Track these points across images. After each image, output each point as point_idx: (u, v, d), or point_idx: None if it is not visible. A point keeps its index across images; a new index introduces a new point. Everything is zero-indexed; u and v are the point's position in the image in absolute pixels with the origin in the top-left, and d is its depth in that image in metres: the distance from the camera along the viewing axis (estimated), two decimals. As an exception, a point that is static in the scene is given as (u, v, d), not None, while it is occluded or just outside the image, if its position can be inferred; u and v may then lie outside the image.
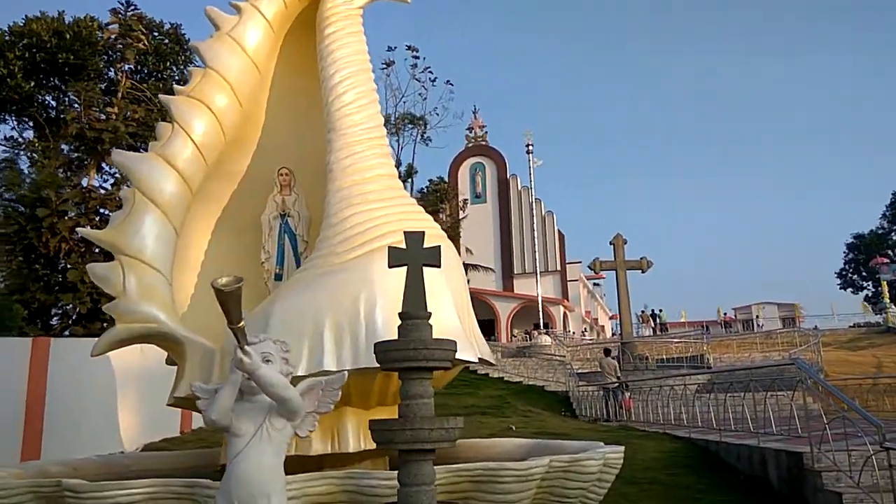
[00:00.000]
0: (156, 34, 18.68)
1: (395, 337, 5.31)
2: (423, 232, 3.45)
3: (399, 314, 3.25)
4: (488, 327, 51.31)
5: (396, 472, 3.98)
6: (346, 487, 3.79)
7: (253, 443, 3.08)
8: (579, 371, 23.54)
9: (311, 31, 7.08)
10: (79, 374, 10.31)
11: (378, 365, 5.14)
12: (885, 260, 46.17)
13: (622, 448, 5.67)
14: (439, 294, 5.73)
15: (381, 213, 5.98)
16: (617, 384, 17.48)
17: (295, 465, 5.43)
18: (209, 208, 6.89)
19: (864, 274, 55.84)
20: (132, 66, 17.37)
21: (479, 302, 50.19)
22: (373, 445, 5.52)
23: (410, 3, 7.58)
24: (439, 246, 3.39)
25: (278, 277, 6.65)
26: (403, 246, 5.71)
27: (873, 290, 53.65)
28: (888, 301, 41.34)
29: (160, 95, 6.96)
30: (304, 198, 6.94)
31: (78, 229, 6.14)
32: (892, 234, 57.31)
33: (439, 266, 3.39)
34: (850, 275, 58.48)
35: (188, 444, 11.11)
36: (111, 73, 18.06)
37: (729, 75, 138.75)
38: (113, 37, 16.09)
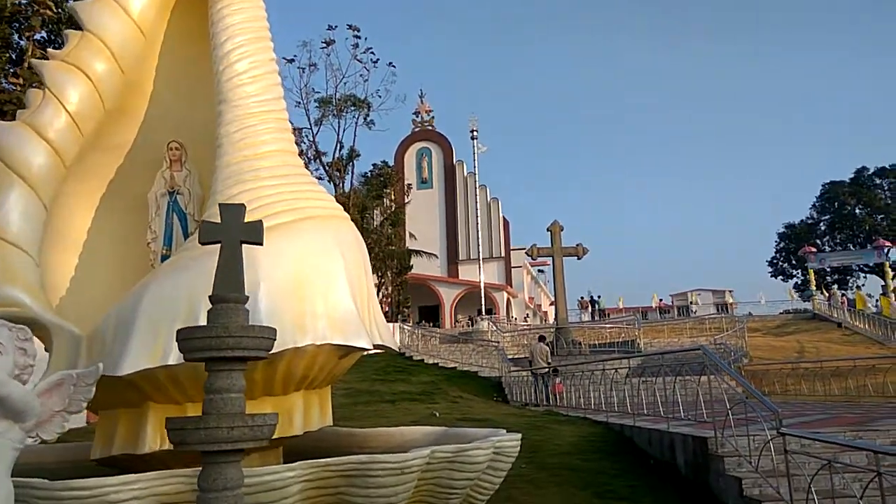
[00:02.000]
0: (71, 2, 17.46)
1: (280, 323, 5.08)
2: (243, 205, 3.14)
3: (209, 297, 2.93)
4: (432, 313, 51.31)
5: (255, 469, 3.71)
6: (196, 487, 3.46)
7: None
8: (515, 357, 23.66)
9: (207, -5, 6.61)
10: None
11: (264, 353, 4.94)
12: (813, 249, 48.14)
13: (518, 435, 5.53)
14: (333, 275, 5.45)
15: (274, 192, 5.62)
16: (547, 369, 17.57)
17: (170, 460, 5.12)
18: (91, 184, 6.39)
19: (793, 262, 58.04)
20: (44, 36, 16.34)
21: (423, 288, 50.12)
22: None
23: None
24: (260, 221, 3.09)
25: (165, 259, 6.23)
26: (294, 225, 5.54)
27: (802, 278, 55.89)
28: (814, 289, 43.17)
29: (31, 60, 6.40)
30: (198, 174, 6.51)
31: (-69, 204, 5.54)
32: (821, 224, 59.73)
33: (260, 244, 3.08)
34: (780, 263, 60.71)
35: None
36: (22, 42, 16.94)
37: (671, 63, 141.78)
38: (22, 1, 15.02)
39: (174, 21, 6.68)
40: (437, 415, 12.75)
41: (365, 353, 6.39)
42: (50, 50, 5.94)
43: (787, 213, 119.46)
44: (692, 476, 7.51)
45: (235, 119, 5.86)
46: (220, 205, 3.19)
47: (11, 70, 14.30)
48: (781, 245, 60.56)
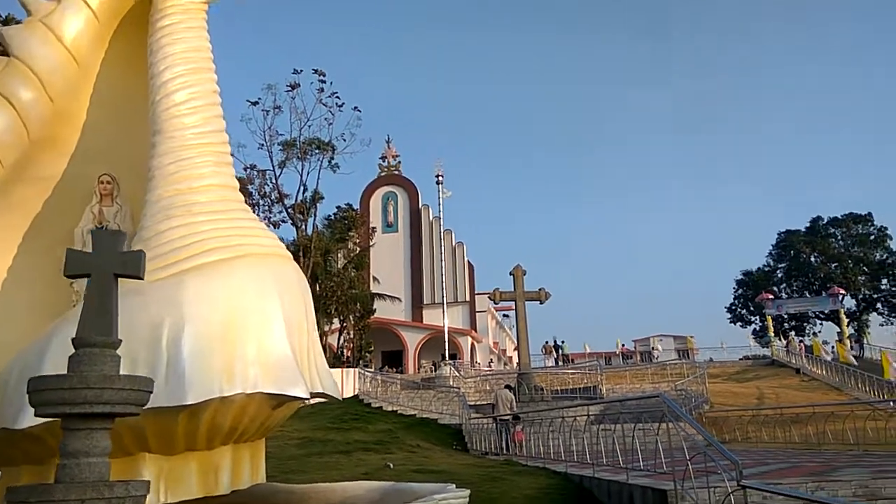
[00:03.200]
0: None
1: (206, 370, 4.68)
2: (121, 232, 2.81)
3: (72, 340, 2.57)
4: (396, 358, 50.48)
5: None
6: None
7: None
8: (477, 403, 23.15)
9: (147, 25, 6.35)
10: None
11: (187, 402, 4.53)
12: (770, 296, 48.99)
13: (466, 492, 5.15)
14: (269, 318, 5.09)
15: (207, 228, 5.28)
16: (509, 416, 17.15)
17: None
18: (14, 218, 5.94)
19: (751, 309, 58.92)
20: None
21: (387, 332, 49.38)
22: (177, 498, 4.80)
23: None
24: (140, 252, 2.76)
25: (90, 299, 5.79)
26: (228, 263, 5.19)
27: (760, 324, 56.71)
28: (772, 335, 43.77)
29: (-51, 84, 6.01)
30: (130, 210, 6.14)
31: None
32: (778, 271, 60.99)
33: (140, 277, 2.75)
34: (739, 309, 61.56)
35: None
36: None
37: (633, 103, 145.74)
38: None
39: (112, 50, 6.39)
40: (392, 466, 12.19)
41: (304, 403, 6.00)
42: (-28, 76, 5.58)
43: (746, 261, 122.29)
44: (652, 531, 7.17)
45: (170, 151, 5.55)
46: (92, 232, 2.88)
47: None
48: (740, 292, 61.54)
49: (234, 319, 4.85)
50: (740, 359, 43.38)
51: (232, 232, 5.36)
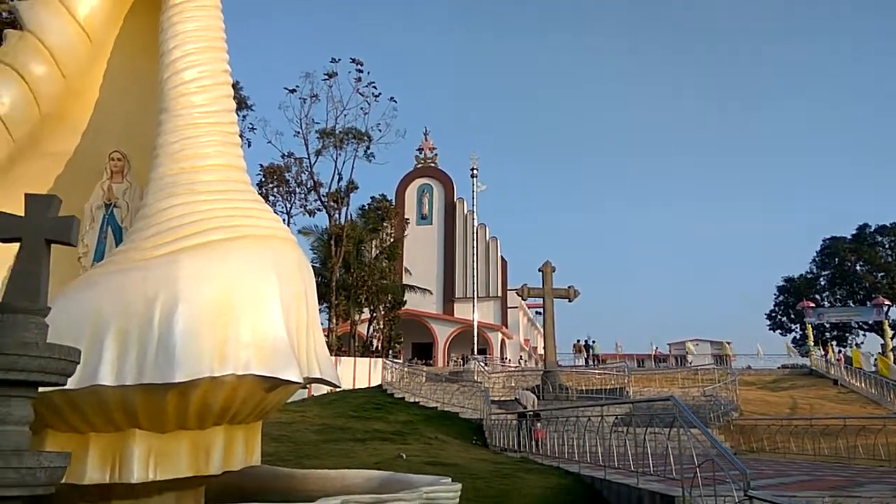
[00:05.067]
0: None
1: (196, 350, 4.65)
2: (55, 197, 2.74)
3: None
4: (426, 350, 50.60)
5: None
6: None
7: None
8: (502, 399, 22.99)
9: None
10: None
11: (175, 380, 4.50)
12: (812, 304, 47.56)
13: (458, 486, 5.04)
14: (265, 300, 5.03)
15: (208, 207, 5.24)
16: (532, 413, 16.98)
17: (74, 494, 4.64)
18: (21, 193, 5.99)
19: (792, 317, 57.32)
20: None
21: (417, 324, 49.51)
22: (166, 475, 4.78)
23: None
24: (73, 217, 2.69)
25: (95, 275, 5.81)
26: (226, 244, 5.16)
27: (800, 332, 55.12)
28: (812, 344, 42.47)
29: (-37, 58, 6.09)
30: (140, 188, 6.15)
31: None
32: (821, 279, 59.20)
33: (73, 244, 2.69)
34: (779, 317, 59.96)
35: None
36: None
37: (675, 108, 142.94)
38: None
39: (126, 29, 6.41)
40: (405, 457, 12.13)
41: (303, 387, 5.94)
42: (-14, 49, 5.66)
43: (788, 267, 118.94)
44: (659, 537, 6.95)
45: (176, 129, 5.52)
46: (25, 195, 2.80)
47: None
48: (781, 298, 59.92)
49: (229, 300, 4.80)
50: (779, 367, 42.24)
51: (233, 212, 5.31)
